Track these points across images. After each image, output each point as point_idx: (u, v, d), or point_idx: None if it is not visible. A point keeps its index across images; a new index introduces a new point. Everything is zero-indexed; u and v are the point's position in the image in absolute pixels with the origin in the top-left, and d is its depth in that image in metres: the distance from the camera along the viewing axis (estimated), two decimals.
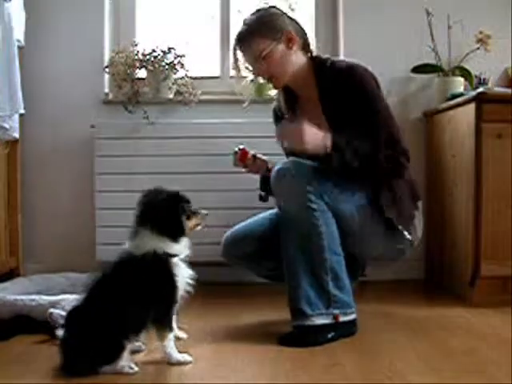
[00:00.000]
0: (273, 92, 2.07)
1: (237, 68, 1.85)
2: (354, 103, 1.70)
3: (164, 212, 1.46)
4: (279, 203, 1.72)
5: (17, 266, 2.49)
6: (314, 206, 1.63)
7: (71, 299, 1.75)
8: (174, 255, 1.46)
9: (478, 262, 2.08)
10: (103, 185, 2.49)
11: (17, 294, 1.91)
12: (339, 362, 1.46)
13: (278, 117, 1.99)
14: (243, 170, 1.99)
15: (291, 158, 1.70)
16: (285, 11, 1.84)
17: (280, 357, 1.52)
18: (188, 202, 1.51)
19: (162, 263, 1.44)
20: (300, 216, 1.63)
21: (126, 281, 1.40)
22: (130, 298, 1.38)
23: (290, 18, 1.81)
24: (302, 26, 1.83)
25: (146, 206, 1.48)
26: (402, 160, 1.71)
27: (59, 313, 1.68)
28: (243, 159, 1.93)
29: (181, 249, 1.49)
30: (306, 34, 1.83)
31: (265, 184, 1.91)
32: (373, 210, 1.71)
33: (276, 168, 1.69)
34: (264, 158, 1.98)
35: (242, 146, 1.95)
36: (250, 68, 1.83)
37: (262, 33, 1.74)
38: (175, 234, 1.47)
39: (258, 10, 1.81)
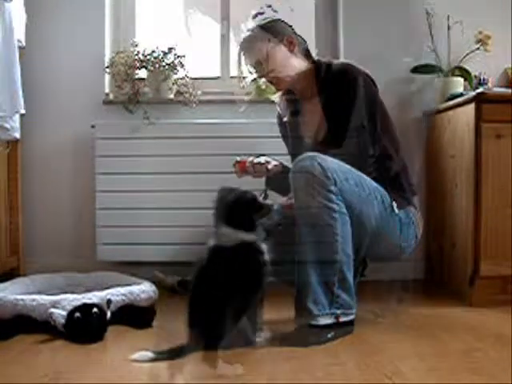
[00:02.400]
0: (275, 97, 2.06)
1: (240, 73, 1.92)
2: (346, 104, 1.75)
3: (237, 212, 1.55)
4: (297, 199, 1.66)
5: (17, 265, 2.49)
6: (334, 206, 1.63)
7: (71, 299, 1.75)
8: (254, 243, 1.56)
9: (477, 261, 2.08)
10: (103, 185, 2.49)
11: (17, 293, 1.91)
12: (339, 362, 1.47)
13: (281, 121, 2.02)
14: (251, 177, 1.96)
15: (312, 153, 1.66)
16: (284, 16, 1.92)
17: (280, 357, 1.52)
18: (255, 200, 1.60)
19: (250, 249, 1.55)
20: (318, 215, 1.62)
21: (224, 267, 1.49)
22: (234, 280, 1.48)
23: (290, 26, 1.89)
24: (302, 36, 1.92)
25: (223, 206, 1.57)
26: (388, 164, 1.79)
27: (60, 312, 1.68)
28: (243, 169, 1.93)
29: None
30: (306, 42, 1.92)
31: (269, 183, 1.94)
32: (386, 210, 1.74)
33: (298, 163, 1.65)
34: (263, 161, 1.92)
35: (238, 159, 1.94)
36: (254, 71, 1.91)
37: (263, 36, 1.83)
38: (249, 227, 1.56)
39: (263, 18, 1.87)
